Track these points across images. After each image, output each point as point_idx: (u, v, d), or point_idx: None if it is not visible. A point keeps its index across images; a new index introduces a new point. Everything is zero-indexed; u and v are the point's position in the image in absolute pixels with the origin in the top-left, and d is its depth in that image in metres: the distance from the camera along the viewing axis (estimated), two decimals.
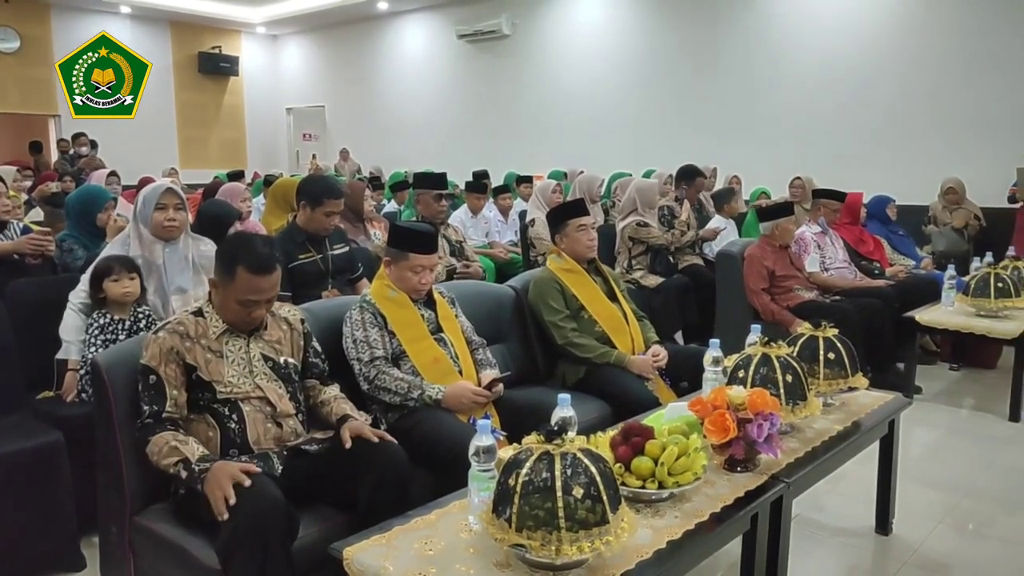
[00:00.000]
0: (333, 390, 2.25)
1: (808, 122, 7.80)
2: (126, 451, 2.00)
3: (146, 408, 1.96)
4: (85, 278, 2.70)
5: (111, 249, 2.84)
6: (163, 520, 1.96)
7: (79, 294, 2.71)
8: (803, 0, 7.83)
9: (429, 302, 2.60)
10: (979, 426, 3.86)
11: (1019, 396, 3.85)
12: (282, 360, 2.14)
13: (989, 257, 4.49)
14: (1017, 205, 6.12)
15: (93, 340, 2.58)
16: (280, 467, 2.01)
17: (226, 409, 2.02)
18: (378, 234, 4.52)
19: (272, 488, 1.81)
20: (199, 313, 2.08)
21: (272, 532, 1.73)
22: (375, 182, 8.95)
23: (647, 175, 6.89)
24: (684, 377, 3.01)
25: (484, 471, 1.62)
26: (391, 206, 7.42)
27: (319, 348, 2.28)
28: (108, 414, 2.02)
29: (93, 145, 9.97)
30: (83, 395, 2.60)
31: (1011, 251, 4.71)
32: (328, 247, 3.34)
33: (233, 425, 2.02)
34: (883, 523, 2.68)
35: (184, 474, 1.84)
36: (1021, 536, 2.72)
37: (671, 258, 5.11)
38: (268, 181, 6.93)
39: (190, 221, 3.00)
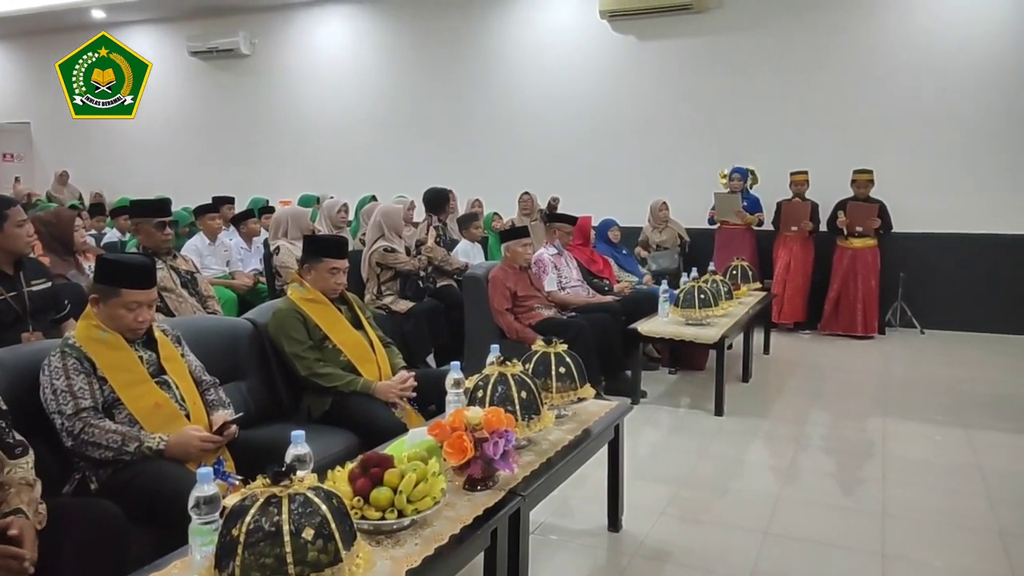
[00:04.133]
0: (22, 469, 1.86)
1: (541, 149, 8.39)
2: None
3: None
4: None
5: None
6: None
7: None
8: (534, 38, 8.42)
9: (149, 342, 2.36)
10: (693, 422, 4.36)
11: (722, 393, 4.42)
12: None
13: (695, 272, 5.13)
14: (716, 226, 7.09)
15: None
16: None
17: None
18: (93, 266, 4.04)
19: None
20: None
21: None
22: (96, 208, 8.05)
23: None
24: (432, 400, 3.05)
25: (206, 524, 1.49)
26: (114, 234, 6.70)
27: (4, 407, 1.94)
28: None
29: None
30: None
31: (711, 266, 5.42)
32: (23, 283, 2.90)
33: None
34: (614, 521, 2.91)
35: None
36: (729, 519, 3.10)
37: (420, 282, 5.17)
38: None
39: None
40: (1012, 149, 6.61)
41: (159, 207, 3.74)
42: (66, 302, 3.13)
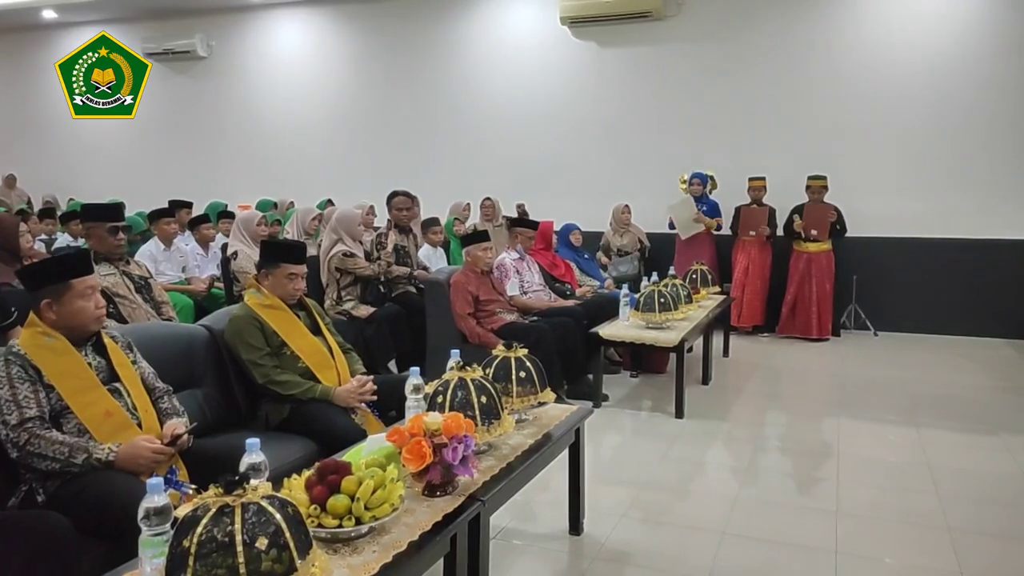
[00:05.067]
0: None
1: (503, 155, 8.39)
2: None
3: None
4: None
5: None
6: None
7: None
8: (495, 44, 8.42)
9: (99, 348, 2.30)
10: (654, 425, 4.39)
11: (682, 396, 4.46)
12: None
13: (655, 276, 5.18)
14: (675, 230, 7.17)
15: None
16: None
17: None
18: None
19: None
20: None
21: None
22: (47, 212, 7.83)
23: None
24: (393, 406, 3.03)
25: (157, 535, 1.46)
26: (65, 239, 6.53)
27: None
28: None
29: None
30: None
31: (672, 271, 5.47)
32: None
33: None
34: (575, 524, 2.92)
35: None
36: (689, 520, 3.13)
37: (381, 287, 5.13)
38: None
39: None
40: (963, 154, 6.80)
41: (112, 212, 3.66)
42: (12, 309, 3.03)
